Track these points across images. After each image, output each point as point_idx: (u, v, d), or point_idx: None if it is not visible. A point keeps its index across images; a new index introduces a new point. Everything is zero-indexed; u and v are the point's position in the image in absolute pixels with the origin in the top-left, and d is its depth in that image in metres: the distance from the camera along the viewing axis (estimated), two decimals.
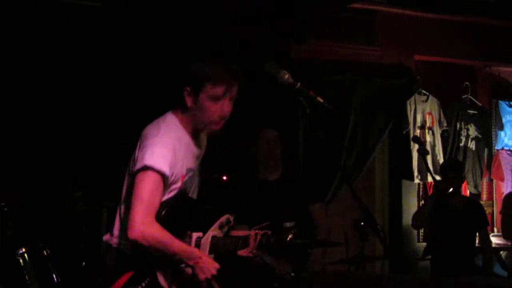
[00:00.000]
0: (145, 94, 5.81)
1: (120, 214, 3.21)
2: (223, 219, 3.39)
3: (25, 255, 4.53)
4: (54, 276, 4.66)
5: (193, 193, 3.35)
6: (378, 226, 3.79)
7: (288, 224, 3.49)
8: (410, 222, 6.98)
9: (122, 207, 3.20)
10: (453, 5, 7.21)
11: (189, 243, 3.17)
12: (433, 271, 6.31)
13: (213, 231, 3.31)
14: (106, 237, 3.24)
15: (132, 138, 5.74)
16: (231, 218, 3.43)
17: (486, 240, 6.50)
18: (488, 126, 7.78)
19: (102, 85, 5.84)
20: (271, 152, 5.03)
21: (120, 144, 5.81)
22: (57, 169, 5.65)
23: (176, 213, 3.14)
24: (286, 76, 3.20)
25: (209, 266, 3.10)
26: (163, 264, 3.08)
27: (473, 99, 7.66)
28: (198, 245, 3.21)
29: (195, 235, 3.21)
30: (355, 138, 6.74)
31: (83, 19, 5.69)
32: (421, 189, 7.50)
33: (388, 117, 7.00)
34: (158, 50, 5.87)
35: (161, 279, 3.07)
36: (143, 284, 3.04)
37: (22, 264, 4.50)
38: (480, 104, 7.72)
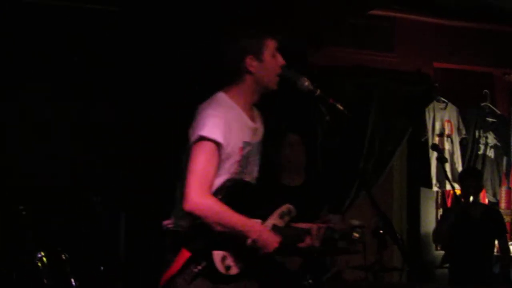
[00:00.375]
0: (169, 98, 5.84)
1: (177, 194, 3.17)
2: (284, 208, 3.33)
3: (44, 258, 4.56)
4: (72, 280, 4.67)
5: (253, 171, 3.31)
6: (397, 234, 3.77)
7: (354, 222, 3.42)
8: (428, 229, 6.97)
9: (178, 186, 3.18)
10: (472, 12, 7.18)
11: None
12: (451, 279, 6.28)
13: (274, 220, 3.27)
14: (165, 221, 3.21)
15: (153, 143, 5.81)
16: (292, 209, 3.36)
17: (505, 249, 6.46)
18: (507, 134, 7.72)
19: (119, 87, 5.86)
20: (294, 157, 5.03)
21: (141, 148, 5.84)
22: (76, 173, 5.67)
23: (234, 199, 3.09)
24: (306, 83, 3.21)
25: (271, 240, 3.09)
26: (220, 244, 3.03)
27: (492, 107, 7.61)
28: None
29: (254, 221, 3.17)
30: (374, 145, 6.72)
31: (84, 21, 5.72)
32: (439, 197, 7.45)
33: (407, 124, 6.98)
34: (158, 50, 5.91)
35: (217, 262, 3.04)
36: (199, 268, 3.01)
37: (40, 267, 4.52)
38: (499, 112, 7.67)
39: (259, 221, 3.20)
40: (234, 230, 3.04)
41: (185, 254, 3.02)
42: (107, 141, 5.81)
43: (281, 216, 3.32)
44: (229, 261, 3.07)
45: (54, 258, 4.65)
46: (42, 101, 5.65)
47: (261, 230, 3.10)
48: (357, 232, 3.40)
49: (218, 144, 3.03)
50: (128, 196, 5.73)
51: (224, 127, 3.06)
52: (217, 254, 3.04)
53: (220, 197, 3.05)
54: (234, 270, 3.09)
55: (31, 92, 5.62)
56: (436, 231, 6.47)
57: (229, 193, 3.09)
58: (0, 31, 5.46)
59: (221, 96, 3.22)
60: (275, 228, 3.23)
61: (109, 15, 5.77)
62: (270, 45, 3.22)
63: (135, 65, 5.85)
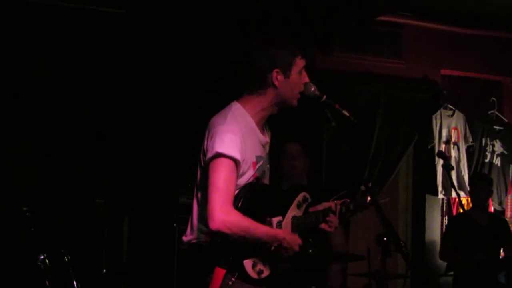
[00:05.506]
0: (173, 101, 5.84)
1: (194, 209, 3.20)
2: (299, 197, 3.39)
3: (46, 260, 4.54)
4: (74, 282, 4.66)
5: (265, 182, 3.35)
6: (401, 242, 3.75)
7: (364, 187, 3.46)
8: (433, 237, 6.94)
9: (195, 201, 3.21)
10: (480, 19, 7.16)
11: None
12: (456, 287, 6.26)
13: (292, 212, 3.33)
14: (185, 237, 3.23)
15: (155, 147, 5.80)
16: (308, 195, 3.42)
17: (510, 257, 6.43)
18: None
19: (125, 90, 5.86)
20: (294, 166, 5.04)
21: (144, 152, 5.84)
22: (79, 176, 5.66)
23: (253, 202, 3.13)
24: (312, 89, 3.20)
25: (292, 244, 3.13)
26: (247, 253, 3.09)
27: (499, 115, 7.59)
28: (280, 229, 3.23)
29: (275, 220, 3.20)
30: (380, 151, 6.70)
31: (90, 22, 5.73)
32: (445, 205, 7.43)
33: (413, 131, 6.96)
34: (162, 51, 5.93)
35: (249, 270, 3.10)
36: (233, 279, 3.06)
37: (42, 269, 4.51)
38: (506, 120, 7.64)
39: (280, 217, 3.24)
40: (260, 241, 3.09)
41: (220, 272, 3.06)
42: (110, 143, 5.81)
43: (299, 206, 3.38)
44: (260, 266, 3.14)
45: (56, 260, 4.63)
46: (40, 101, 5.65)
47: (284, 236, 3.14)
48: (367, 197, 3.49)
49: (236, 161, 3.02)
50: (131, 199, 5.73)
51: (240, 143, 3.05)
52: (247, 263, 3.10)
53: (239, 204, 3.07)
54: (266, 273, 3.16)
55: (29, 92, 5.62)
56: (441, 251, 6.47)
57: (248, 198, 3.11)
58: None
59: (237, 107, 3.19)
60: (294, 219, 3.30)
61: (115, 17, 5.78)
62: (300, 63, 3.17)
63: (140, 66, 5.86)
